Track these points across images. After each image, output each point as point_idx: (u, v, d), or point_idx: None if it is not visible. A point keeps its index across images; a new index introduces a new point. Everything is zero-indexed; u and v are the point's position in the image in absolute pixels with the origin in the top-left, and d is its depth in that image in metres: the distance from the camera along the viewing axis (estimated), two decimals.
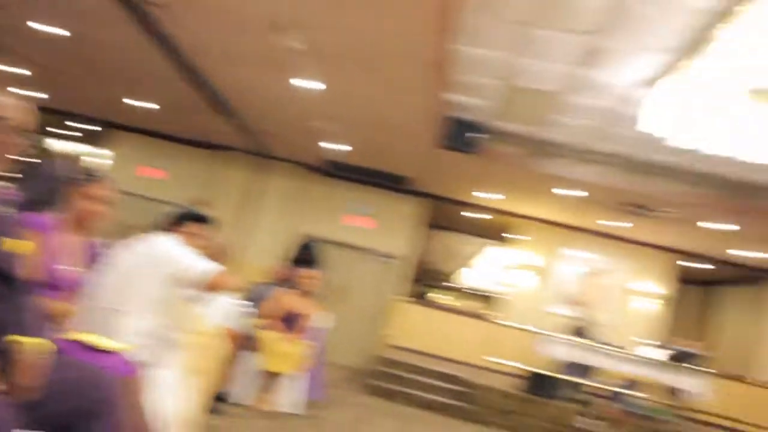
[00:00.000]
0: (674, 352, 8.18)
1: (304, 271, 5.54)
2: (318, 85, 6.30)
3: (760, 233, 8.29)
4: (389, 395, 7.41)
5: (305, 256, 5.81)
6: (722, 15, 4.03)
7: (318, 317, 5.63)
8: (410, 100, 6.37)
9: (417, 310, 10.47)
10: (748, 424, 9.54)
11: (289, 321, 5.29)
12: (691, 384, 7.70)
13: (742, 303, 11.80)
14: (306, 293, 5.51)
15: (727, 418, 9.47)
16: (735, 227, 8.27)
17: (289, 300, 5.37)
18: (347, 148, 8.82)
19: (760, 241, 8.81)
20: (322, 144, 8.78)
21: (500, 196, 9.87)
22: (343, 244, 10.17)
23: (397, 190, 10.34)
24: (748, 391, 10.10)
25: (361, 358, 9.34)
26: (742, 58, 4.41)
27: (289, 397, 5.34)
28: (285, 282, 5.57)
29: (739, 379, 10.32)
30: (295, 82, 6.23)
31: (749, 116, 5.09)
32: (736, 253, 9.95)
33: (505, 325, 10.26)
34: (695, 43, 4.46)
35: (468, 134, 7.12)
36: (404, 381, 7.67)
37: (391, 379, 7.66)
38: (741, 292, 11.90)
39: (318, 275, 5.63)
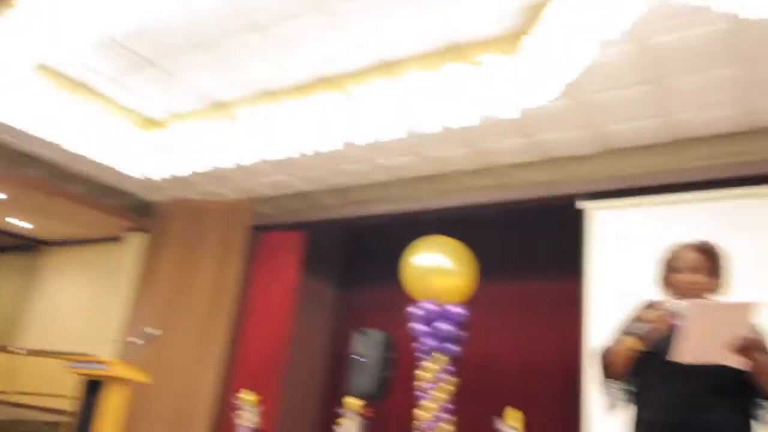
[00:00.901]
0: None
1: None
2: None
3: (31, 204, 8.43)
4: None
5: None
6: None
7: None
8: None
9: None
10: (10, 393, 9.52)
11: None
12: None
13: (14, 271, 11.79)
14: None
15: None
16: (4, 196, 8.16)
17: None
18: None
19: (31, 212, 8.99)
20: None
21: None
22: None
23: None
24: (12, 360, 10.13)
25: None
26: (29, 31, 4.29)
27: None
28: None
29: (2, 348, 10.20)
30: None
31: (31, 87, 5.06)
32: (11, 221, 9.82)
33: None
34: None
35: None
36: None
37: None
38: (14, 261, 11.88)
39: None
